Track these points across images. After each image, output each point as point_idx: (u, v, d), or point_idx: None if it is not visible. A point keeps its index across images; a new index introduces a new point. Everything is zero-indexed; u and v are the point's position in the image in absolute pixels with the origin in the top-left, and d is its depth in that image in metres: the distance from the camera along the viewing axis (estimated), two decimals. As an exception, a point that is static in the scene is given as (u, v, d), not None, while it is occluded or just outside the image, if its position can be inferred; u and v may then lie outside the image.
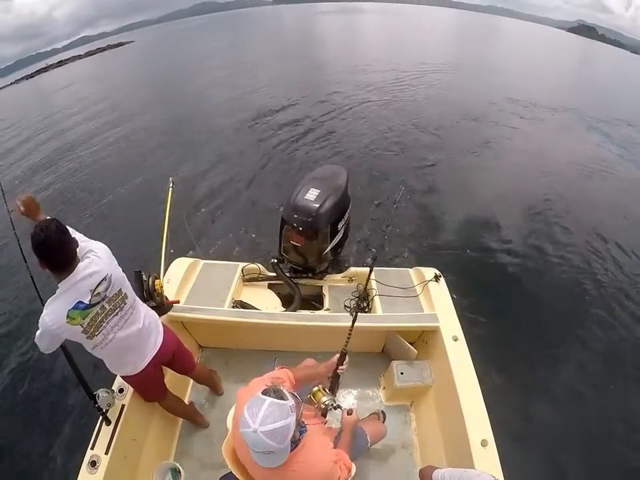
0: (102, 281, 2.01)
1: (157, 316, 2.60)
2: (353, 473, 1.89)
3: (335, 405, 2.16)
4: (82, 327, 2.00)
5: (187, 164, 9.93)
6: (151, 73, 30.22)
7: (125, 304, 2.19)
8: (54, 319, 1.91)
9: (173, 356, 2.66)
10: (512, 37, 49.53)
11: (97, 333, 2.07)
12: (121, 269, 2.20)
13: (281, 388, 1.57)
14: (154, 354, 2.44)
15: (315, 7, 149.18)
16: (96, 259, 2.03)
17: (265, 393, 1.50)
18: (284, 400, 1.49)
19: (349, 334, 2.51)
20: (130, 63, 44.32)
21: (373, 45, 35.44)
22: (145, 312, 2.41)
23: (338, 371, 2.37)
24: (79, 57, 72.95)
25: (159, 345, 2.48)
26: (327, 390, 2.27)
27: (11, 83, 56.15)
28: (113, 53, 67.11)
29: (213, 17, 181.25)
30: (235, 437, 1.78)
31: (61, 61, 71.13)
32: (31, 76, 59.92)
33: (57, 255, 1.88)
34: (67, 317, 1.93)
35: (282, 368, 2.04)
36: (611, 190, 8.99)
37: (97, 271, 2.00)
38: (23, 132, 16.66)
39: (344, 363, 2.38)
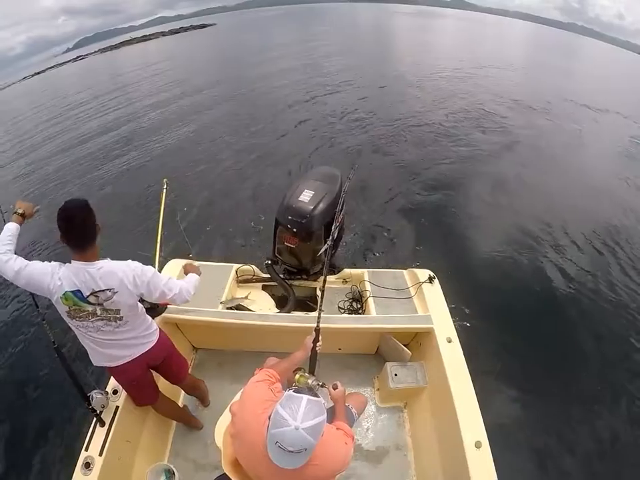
0: (106, 290, 2.02)
1: (153, 323, 2.54)
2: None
3: (320, 384, 2.17)
4: (69, 308, 2.02)
5: (183, 165, 9.95)
6: (227, 55, 33.46)
7: (115, 322, 2.16)
8: (56, 287, 1.95)
9: (162, 361, 2.63)
10: (588, 57, 45.87)
11: (77, 319, 2.08)
12: (133, 297, 2.14)
13: (313, 383, 1.76)
14: (135, 356, 2.39)
15: (391, 7, 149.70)
16: (112, 271, 2.03)
17: (298, 391, 1.54)
18: (317, 397, 1.54)
19: (320, 310, 2.63)
20: (212, 44, 49.05)
21: (446, 47, 35.01)
22: (135, 327, 2.33)
23: (317, 349, 2.43)
24: (162, 33, 79.90)
25: (144, 350, 2.42)
26: (307, 373, 2.28)
27: (95, 52, 66.45)
28: (195, 33, 72.19)
29: (289, 8, 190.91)
30: (239, 449, 1.77)
31: (145, 36, 78.75)
32: (116, 47, 68.10)
33: (77, 234, 1.95)
34: (63, 294, 1.96)
35: (260, 369, 2.05)
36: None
37: (103, 279, 2.00)
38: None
39: (319, 339, 2.45)
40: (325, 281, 2.85)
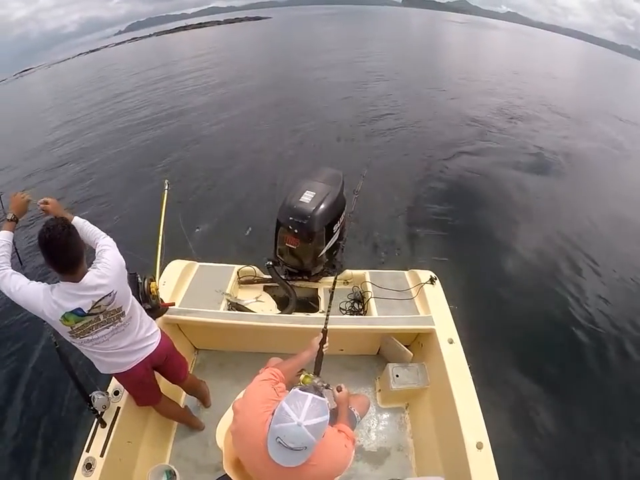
0: (106, 296, 2.01)
1: (154, 322, 2.56)
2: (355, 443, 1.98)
3: (325, 384, 2.18)
4: (71, 328, 2.00)
5: (185, 166, 9.92)
6: (278, 50, 35.15)
7: (120, 321, 2.16)
8: (52, 311, 1.91)
9: (165, 359, 2.63)
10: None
11: (82, 336, 2.06)
12: (127, 284, 2.20)
13: (318, 384, 1.81)
14: (142, 358, 2.40)
15: (444, 15, 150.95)
16: (106, 272, 2.02)
17: (304, 389, 1.57)
18: (322, 397, 1.57)
19: (328, 311, 2.64)
20: (266, 37, 51.41)
21: (494, 60, 32.94)
22: (139, 323, 2.36)
23: (323, 350, 2.45)
24: (218, 22, 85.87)
25: (150, 352, 2.44)
26: (311, 374, 2.29)
27: (150, 35, 72.43)
28: (250, 25, 76.55)
29: (342, 8, 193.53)
30: (239, 446, 1.79)
31: (200, 23, 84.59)
32: (171, 31, 74.07)
33: (61, 257, 1.88)
34: (62, 316, 1.93)
35: (266, 368, 2.06)
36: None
37: (104, 285, 2.00)
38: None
39: (326, 340, 2.47)
40: (335, 282, 2.90)
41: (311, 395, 1.52)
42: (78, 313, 1.95)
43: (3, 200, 2.29)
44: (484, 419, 2.60)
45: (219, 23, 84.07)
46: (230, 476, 1.86)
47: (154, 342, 2.47)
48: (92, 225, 2.22)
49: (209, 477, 2.78)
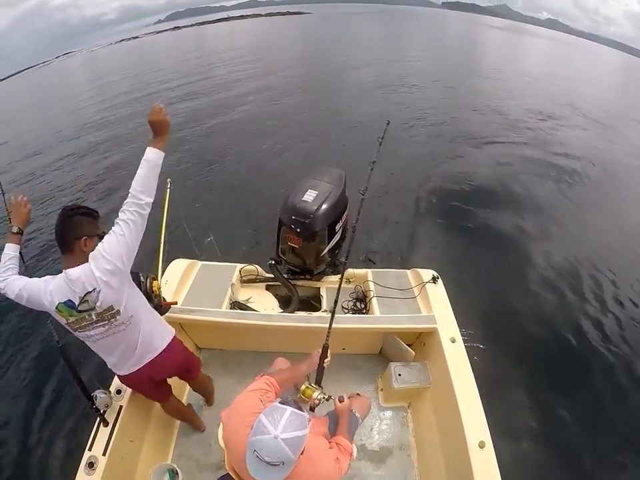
0: (88, 293, 1.92)
1: (167, 329, 2.48)
2: (354, 455, 1.98)
3: (326, 397, 2.17)
4: (67, 320, 1.98)
5: (187, 165, 9.94)
6: (311, 48, 35.85)
7: (116, 320, 2.06)
8: (47, 301, 1.92)
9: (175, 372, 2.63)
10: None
11: (79, 331, 2.03)
12: (121, 288, 2.03)
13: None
14: (139, 368, 2.31)
15: (483, 19, 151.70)
16: (88, 270, 1.90)
17: (283, 403, 1.54)
18: (302, 411, 1.54)
19: (329, 329, 2.53)
20: (305, 32, 54.00)
21: (533, 67, 30.55)
22: (144, 330, 2.23)
23: (324, 365, 2.36)
24: (259, 15, 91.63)
25: (149, 361, 2.33)
26: (313, 385, 2.27)
27: (192, 25, 76.93)
28: (290, 19, 79.72)
29: (381, 7, 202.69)
30: (229, 455, 1.79)
31: (242, 15, 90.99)
32: (212, 22, 78.55)
33: (57, 238, 1.93)
34: (56, 307, 1.92)
35: (262, 375, 2.03)
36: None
37: (84, 282, 1.90)
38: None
39: (328, 355, 2.37)
40: (340, 286, 2.79)
41: (289, 409, 1.50)
42: (69, 305, 1.92)
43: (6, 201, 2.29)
44: (486, 418, 2.59)
45: (259, 15, 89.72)
46: (232, 475, 1.86)
47: (154, 355, 2.35)
48: (142, 184, 2.03)
49: (212, 475, 2.78)
